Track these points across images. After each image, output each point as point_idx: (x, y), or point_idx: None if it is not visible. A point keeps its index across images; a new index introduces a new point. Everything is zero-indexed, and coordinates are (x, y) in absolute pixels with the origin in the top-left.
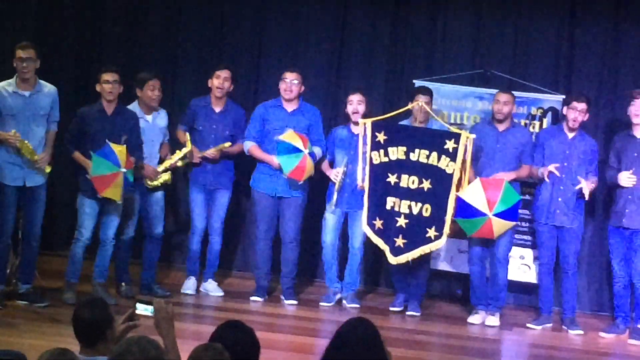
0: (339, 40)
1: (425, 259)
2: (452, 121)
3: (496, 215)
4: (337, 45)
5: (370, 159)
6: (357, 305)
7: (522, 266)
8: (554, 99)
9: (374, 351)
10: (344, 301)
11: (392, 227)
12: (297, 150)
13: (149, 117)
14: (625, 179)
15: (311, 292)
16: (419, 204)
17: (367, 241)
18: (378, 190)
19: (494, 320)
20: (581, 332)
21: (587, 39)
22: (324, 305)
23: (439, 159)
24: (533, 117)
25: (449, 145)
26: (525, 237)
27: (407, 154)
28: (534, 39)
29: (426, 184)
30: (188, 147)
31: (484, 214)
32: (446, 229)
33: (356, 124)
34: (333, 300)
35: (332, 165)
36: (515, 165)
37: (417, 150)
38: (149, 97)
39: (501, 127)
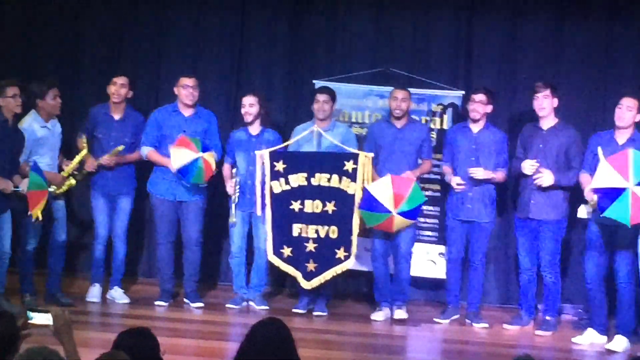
0: (238, 42)
1: None
2: (353, 120)
3: (400, 214)
4: (237, 47)
5: (271, 188)
6: (266, 307)
7: (427, 262)
8: (454, 95)
9: (286, 351)
10: (251, 303)
11: (302, 253)
12: (194, 154)
13: (50, 125)
14: (528, 166)
15: (215, 296)
16: (325, 227)
17: None
18: (282, 219)
19: (401, 313)
20: (486, 325)
21: (485, 35)
22: (231, 307)
23: (340, 180)
24: (434, 114)
25: (348, 166)
26: (430, 233)
27: (308, 179)
28: (433, 36)
29: (330, 207)
30: (84, 151)
31: (388, 211)
32: (354, 249)
33: (250, 124)
34: (240, 303)
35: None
36: (414, 161)
37: (317, 175)
38: (53, 105)
39: (399, 124)
